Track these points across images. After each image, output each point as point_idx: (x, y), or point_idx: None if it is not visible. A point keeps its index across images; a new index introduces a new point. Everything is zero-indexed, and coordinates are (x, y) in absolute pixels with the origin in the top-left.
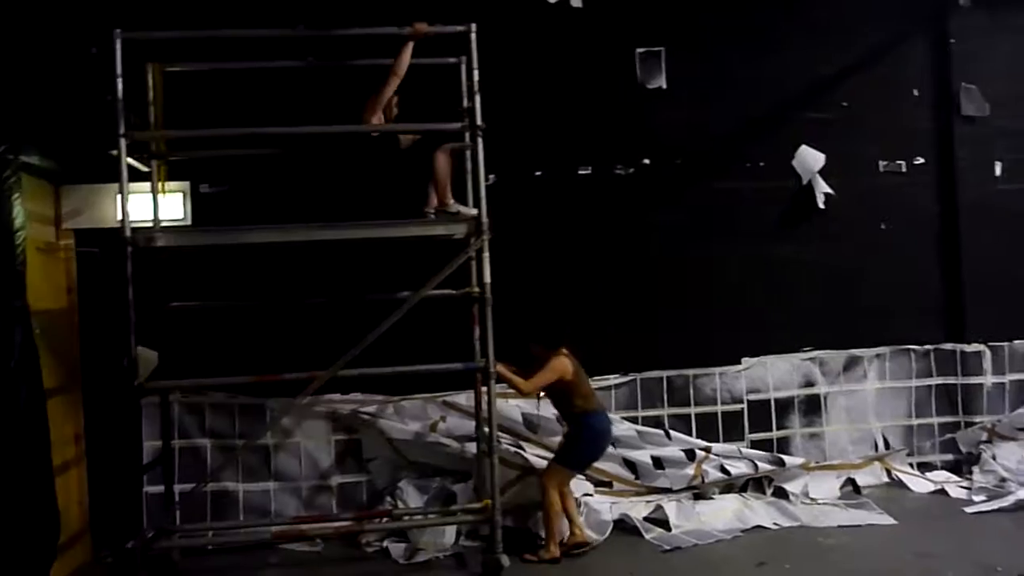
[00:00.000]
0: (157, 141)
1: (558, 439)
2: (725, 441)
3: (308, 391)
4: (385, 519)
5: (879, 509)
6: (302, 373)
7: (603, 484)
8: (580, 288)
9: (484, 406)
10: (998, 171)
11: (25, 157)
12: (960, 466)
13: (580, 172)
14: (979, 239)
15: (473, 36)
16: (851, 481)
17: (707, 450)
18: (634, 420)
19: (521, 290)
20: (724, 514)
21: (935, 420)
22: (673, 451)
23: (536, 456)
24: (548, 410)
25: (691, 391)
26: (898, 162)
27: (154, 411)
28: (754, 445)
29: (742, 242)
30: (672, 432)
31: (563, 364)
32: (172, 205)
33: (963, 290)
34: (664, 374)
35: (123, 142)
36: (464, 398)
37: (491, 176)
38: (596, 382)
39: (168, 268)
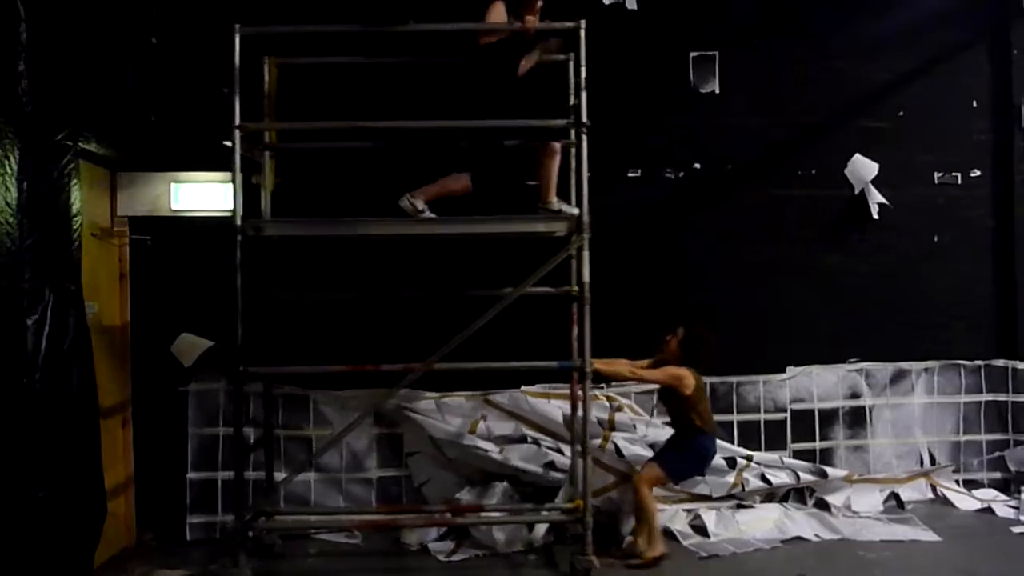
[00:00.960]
0: (269, 132)
1: (597, 441)
2: (767, 450)
3: (404, 383)
4: (479, 514)
5: (923, 525)
6: (397, 365)
7: None
8: (627, 291)
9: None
10: None
11: (83, 144)
12: (1008, 485)
13: (629, 175)
14: None
15: (583, 33)
16: (895, 496)
17: (748, 458)
18: None
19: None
20: (764, 523)
21: (983, 437)
22: (715, 458)
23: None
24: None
25: (734, 398)
26: (954, 174)
27: (199, 399)
28: (796, 455)
29: (792, 250)
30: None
31: (683, 375)
32: (214, 196)
33: (1017, 306)
34: (708, 380)
35: (237, 133)
36: (507, 397)
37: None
38: (633, 388)
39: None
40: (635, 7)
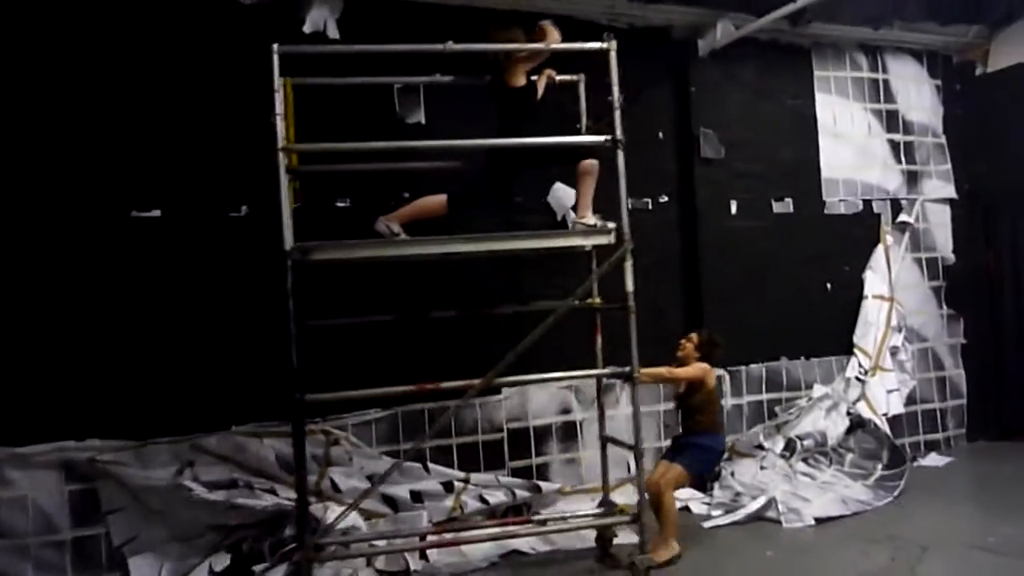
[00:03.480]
0: (290, 155)
1: (312, 478)
2: (487, 470)
3: (466, 398)
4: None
5: (628, 529)
6: (458, 381)
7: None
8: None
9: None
10: (733, 209)
11: None
12: (703, 483)
13: (338, 204)
14: (716, 270)
15: (613, 55)
16: (609, 502)
17: (465, 481)
18: (396, 454)
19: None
20: (483, 544)
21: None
22: (431, 484)
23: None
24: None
25: (453, 422)
26: (644, 200)
27: None
28: (515, 472)
29: (500, 277)
30: (431, 465)
31: (708, 368)
32: None
33: (702, 319)
34: (425, 406)
35: (282, 156)
36: (216, 440)
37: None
38: (356, 417)
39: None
40: (337, 36)
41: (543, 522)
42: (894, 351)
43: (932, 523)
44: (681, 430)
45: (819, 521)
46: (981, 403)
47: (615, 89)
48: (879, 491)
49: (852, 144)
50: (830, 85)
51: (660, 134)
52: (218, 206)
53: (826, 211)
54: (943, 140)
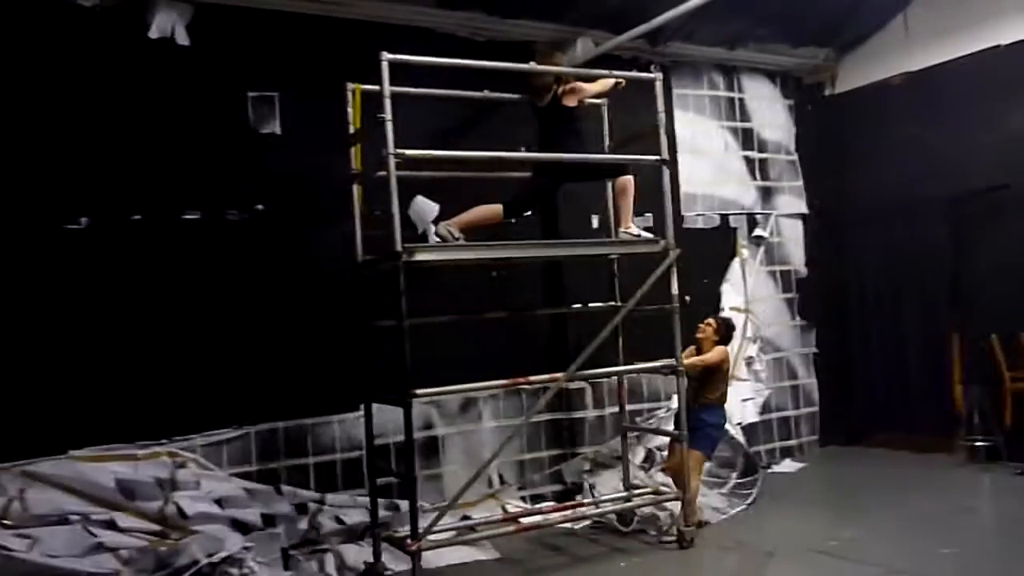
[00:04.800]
0: (356, 160)
1: (156, 503)
2: (346, 489)
3: (552, 391)
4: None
5: (488, 545)
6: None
7: None
8: (187, 336)
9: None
10: (595, 223)
11: None
12: (567, 495)
13: (186, 216)
14: (578, 283)
15: (659, 84)
16: (467, 517)
17: (320, 502)
18: (248, 476)
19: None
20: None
21: (545, 454)
22: (284, 507)
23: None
24: (146, 472)
25: (309, 441)
26: None
27: None
28: (376, 490)
29: (349, 290)
30: (284, 487)
31: (726, 354)
32: None
33: (566, 329)
34: (280, 425)
35: (392, 159)
36: (49, 467)
37: (83, 219)
38: (206, 437)
39: None
40: (187, 43)
41: (597, 503)
42: (749, 361)
43: (781, 528)
44: (689, 401)
45: None
46: (832, 410)
47: (661, 115)
48: (733, 499)
49: (710, 160)
50: (688, 103)
51: (523, 149)
52: (48, 217)
53: (685, 225)
54: (795, 158)
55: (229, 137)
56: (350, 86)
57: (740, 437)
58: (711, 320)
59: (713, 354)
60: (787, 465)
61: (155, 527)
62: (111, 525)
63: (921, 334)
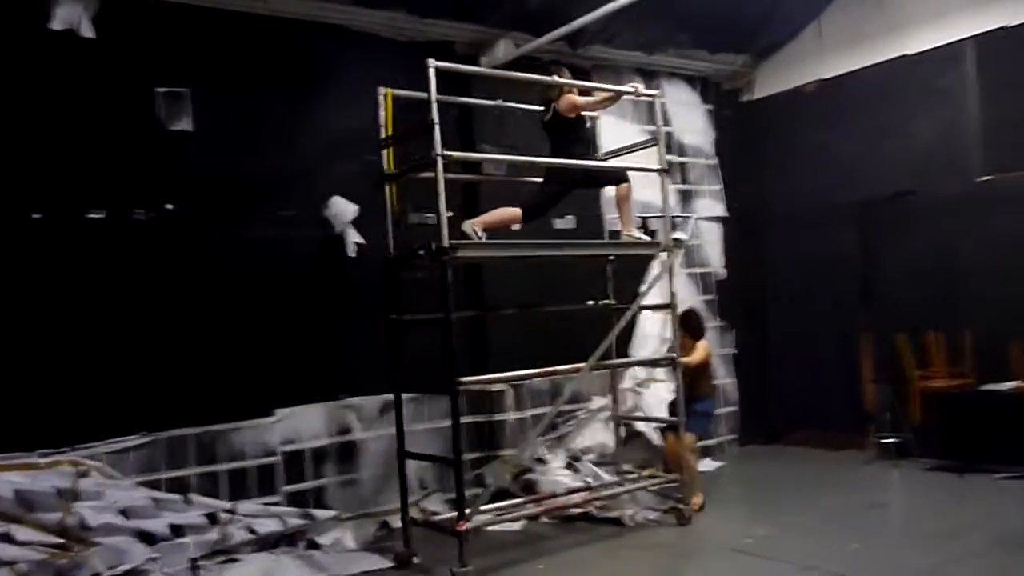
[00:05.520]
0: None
1: (57, 515)
2: (260, 496)
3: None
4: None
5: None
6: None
7: None
8: (91, 339)
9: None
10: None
11: None
12: (494, 497)
13: (91, 215)
14: (499, 283)
15: (659, 102)
16: (386, 524)
17: (232, 511)
18: (157, 485)
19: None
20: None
21: (467, 457)
22: (193, 516)
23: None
24: (46, 482)
25: (220, 447)
26: (428, 215)
27: None
28: (291, 497)
29: (271, 292)
30: (193, 496)
31: (709, 349)
32: None
33: (485, 332)
34: (191, 431)
35: (439, 160)
36: None
37: None
38: (110, 445)
39: None
40: (92, 35)
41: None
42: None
43: (699, 527)
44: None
45: None
46: (751, 409)
47: (661, 127)
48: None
49: (631, 164)
50: (610, 107)
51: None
52: None
53: (606, 227)
54: (715, 162)
55: (136, 134)
56: (381, 91)
57: (659, 439)
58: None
59: (699, 352)
60: (707, 464)
61: (56, 540)
62: (7, 538)
63: (834, 334)
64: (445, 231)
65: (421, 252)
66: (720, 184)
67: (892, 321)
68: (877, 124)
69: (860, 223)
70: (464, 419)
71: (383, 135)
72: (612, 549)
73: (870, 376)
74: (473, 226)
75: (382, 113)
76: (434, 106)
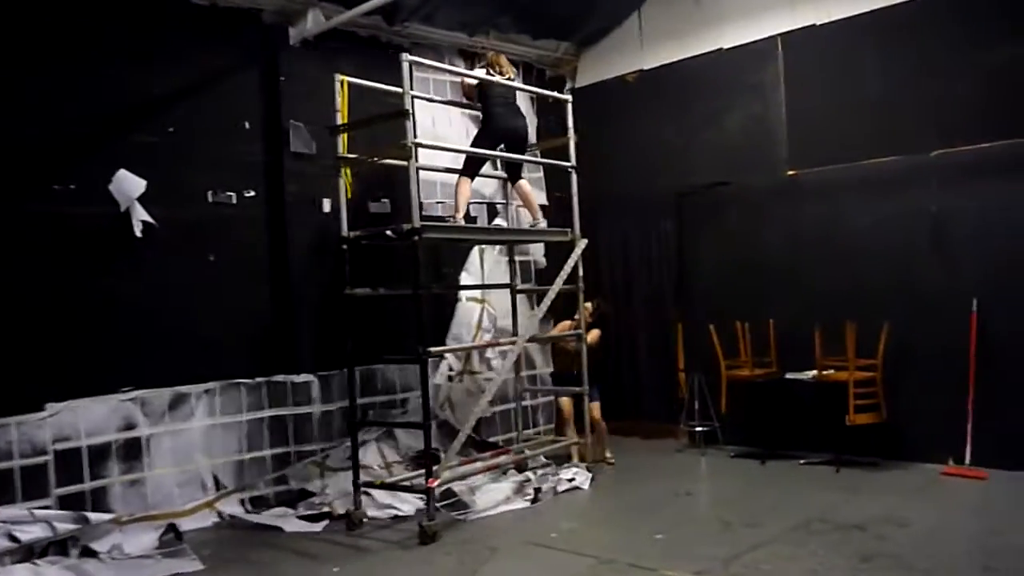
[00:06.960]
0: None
1: None
2: (29, 499)
3: None
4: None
5: (193, 555)
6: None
7: None
8: None
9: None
10: (327, 207)
11: None
12: (295, 500)
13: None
14: (305, 270)
15: (570, 106)
16: (173, 528)
17: None
18: None
19: None
20: None
21: (268, 452)
22: None
23: None
24: None
25: None
26: (229, 193)
27: None
28: (64, 500)
29: (47, 273)
30: None
31: (599, 334)
32: None
33: (293, 321)
34: None
35: (413, 149)
36: None
37: None
38: None
39: None
40: None
41: (521, 451)
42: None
43: (504, 523)
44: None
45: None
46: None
47: (571, 129)
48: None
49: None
50: (429, 87)
51: (247, 124)
52: None
53: (424, 212)
54: (537, 149)
55: None
56: (338, 78)
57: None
58: (587, 304)
59: (596, 332)
60: None
61: None
62: None
63: (651, 323)
64: (416, 214)
65: (388, 232)
66: (541, 172)
67: (704, 311)
68: (695, 116)
69: (677, 213)
70: (264, 412)
71: (339, 121)
72: (409, 551)
73: (682, 365)
74: (456, 220)
75: (339, 100)
76: (407, 97)
